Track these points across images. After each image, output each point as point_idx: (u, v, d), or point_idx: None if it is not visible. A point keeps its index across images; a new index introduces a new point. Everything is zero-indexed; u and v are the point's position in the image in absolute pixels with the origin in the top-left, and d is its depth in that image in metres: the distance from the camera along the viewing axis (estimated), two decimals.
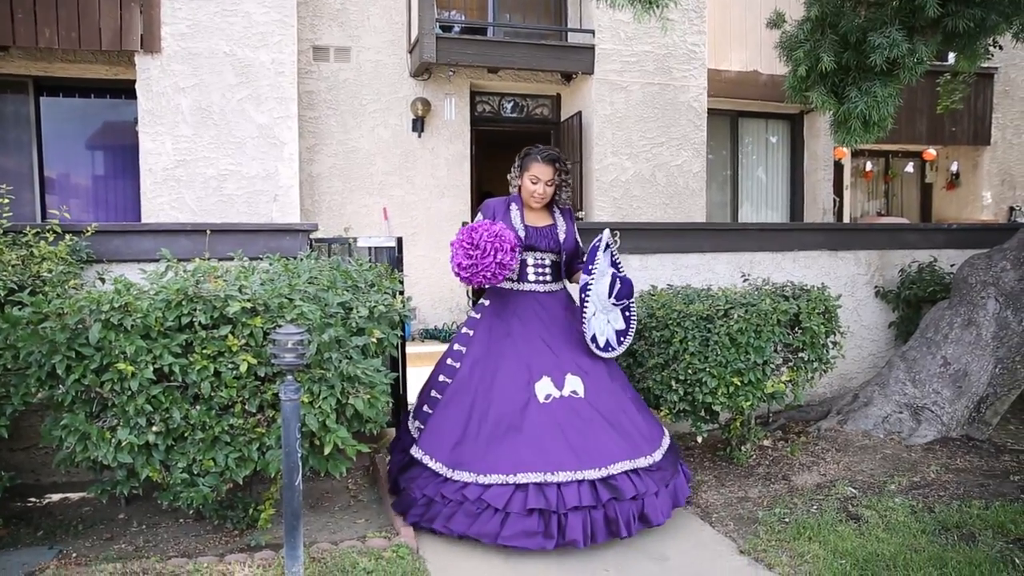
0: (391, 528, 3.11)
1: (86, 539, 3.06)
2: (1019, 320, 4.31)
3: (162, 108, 6.02)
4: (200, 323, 2.66)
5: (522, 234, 3.34)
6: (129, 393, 2.62)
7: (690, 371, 3.60)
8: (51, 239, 3.53)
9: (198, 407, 2.70)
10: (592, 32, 7.42)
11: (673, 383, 3.65)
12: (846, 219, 9.59)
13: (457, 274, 3.18)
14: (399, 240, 4.16)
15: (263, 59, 6.19)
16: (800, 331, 3.77)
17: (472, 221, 3.34)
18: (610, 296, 3.29)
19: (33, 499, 3.49)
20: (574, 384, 3.18)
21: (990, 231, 5.83)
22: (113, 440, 2.65)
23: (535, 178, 3.34)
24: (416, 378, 4.13)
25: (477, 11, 7.97)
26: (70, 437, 2.66)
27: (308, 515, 3.32)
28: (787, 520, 3.26)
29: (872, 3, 4.08)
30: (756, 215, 9.18)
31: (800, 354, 3.82)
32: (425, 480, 3.06)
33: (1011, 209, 9.78)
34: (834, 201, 9.12)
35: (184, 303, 2.66)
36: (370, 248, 4.10)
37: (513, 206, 3.41)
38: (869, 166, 10.30)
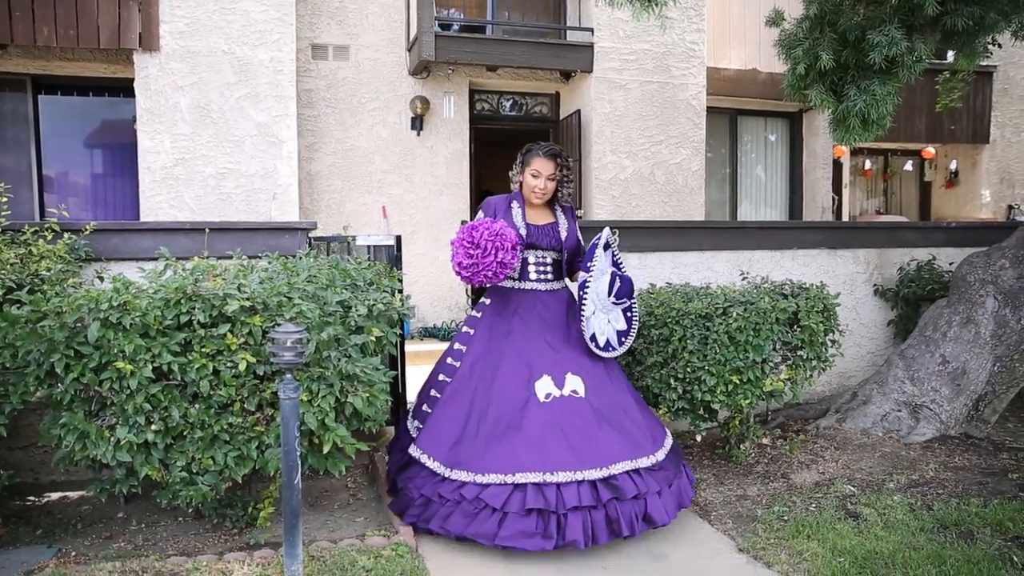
0: (390, 526, 3.11)
1: (85, 538, 3.05)
2: (1018, 318, 4.31)
3: (161, 106, 6.02)
4: (199, 322, 2.66)
5: (523, 232, 3.32)
6: (128, 392, 2.62)
7: (689, 369, 3.60)
8: (50, 237, 3.52)
9: (197, 406, 2.70)
10: (591, 30, 7.41)
11: (672, 381, 3.65)
12: (845, 217, 9.59)
13: (458, 273, 3.16)
14: (398, 238, 4.16)
15: (262, 57, 6.19)
16: (799, 329, 3.78)
17: (472, 219, 3.33)
18: (610, 295, 3.27)
19: (32, 498, 3.49)
20: (574, 383, 3.15)
21: (989, 229, 5.83)
22: (112, 439, 2.65)
23: (536, 172, 3.32)
24: (415, 376, 4.13)
25: (476, 9, 7.97)
26: (69, 436, 2.66)
27: (307, 513, 3.32)
28: (786, 518, 3.26)
29: (871, 1, 4.08)
30: (755, 213, 9.19)
31: (799, 352, 3.82)
32: (423, 480, 3.04)
33: (1010, 207, 9.79)
34: (833, 199, 9.13)
35: (183, 302, 2.66)
36: (369, 246, 4.10)
37: (514, 204, 3.39)
38: (868, 164, 10.31)
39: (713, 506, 3.44)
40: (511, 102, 8.10)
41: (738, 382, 3.58)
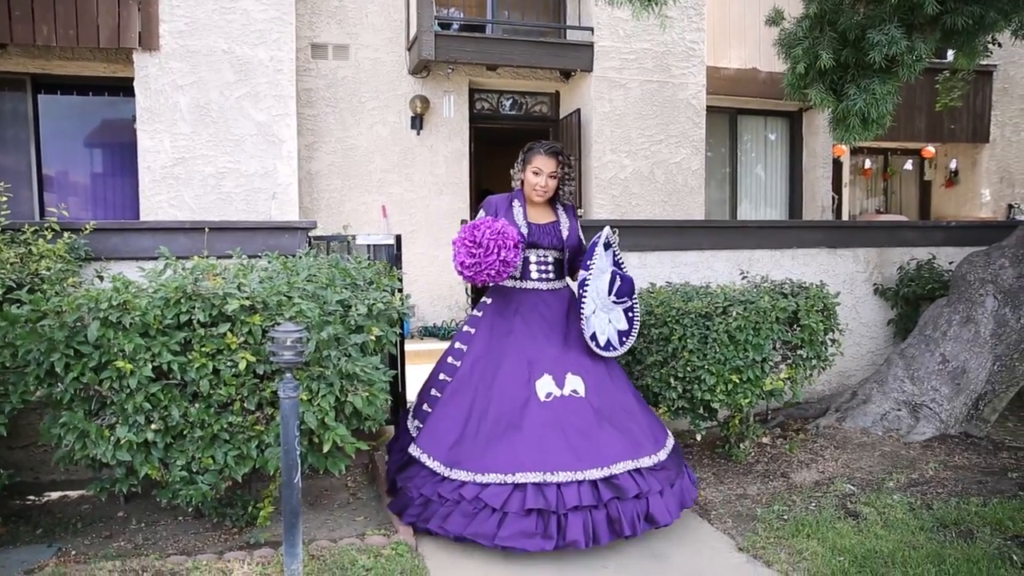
0: (390, 526, 3.11)
1: (85, 537, 3.06)
2: (1017, 317, 4.31)
3: (160, 106, 6.02)
4: (199, 321, 2.66)
5: (525, 231, 3.30)
6: (128, 391, 2.62)
7: (689, 368, 3.60)
8: (49, 237, 3.52)
9: (197, 405, 2.70)
10: (591, 29, 7.41)
11: (672, 380, 3.65)
12: (845, 217, 9.59)
13: (460, 272, 3.14)
14: (398, 238, 4.16)
15: (261, 57, 6.19)
16: (799, 328, 3.78)
17: (472, 218, 3.32)
18: (610, 294, 3.26)
19: (32, 497, 3.49)
20: (575, 383, 3.13)
21: (989, 228, 5.83)
22: (112, 438, 2.65)
23: (538, 170, 3.31)
24: (415, 376, 4.13)
25: (476, 8, 7.97)
26: (69, 435, 2.66)
27: (307, 513, 3.32)
28: (786, 517, 3.26)
29: (871, 0, 4.08)
30: (755, 213, 9.18)
31: (799, 351, 3.82)
32: (423, 479, 3.02)
33: (1010, 207, 9.79)
34: (833, 199, 9.13)
35: (183, 301, 2.66)
36: (369, 246, 4.10)
37: (516, 202, 3.37)
38: (868, 163, 10.31)
39: (713, 505, 3.44)
40: (511, 101, 8.09)
41: (738, 381, 3.58)
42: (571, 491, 2.83)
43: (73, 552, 2.88)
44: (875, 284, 5.35)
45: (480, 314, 3.41)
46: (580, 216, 3.85)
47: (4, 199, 3.57)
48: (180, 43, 6.02)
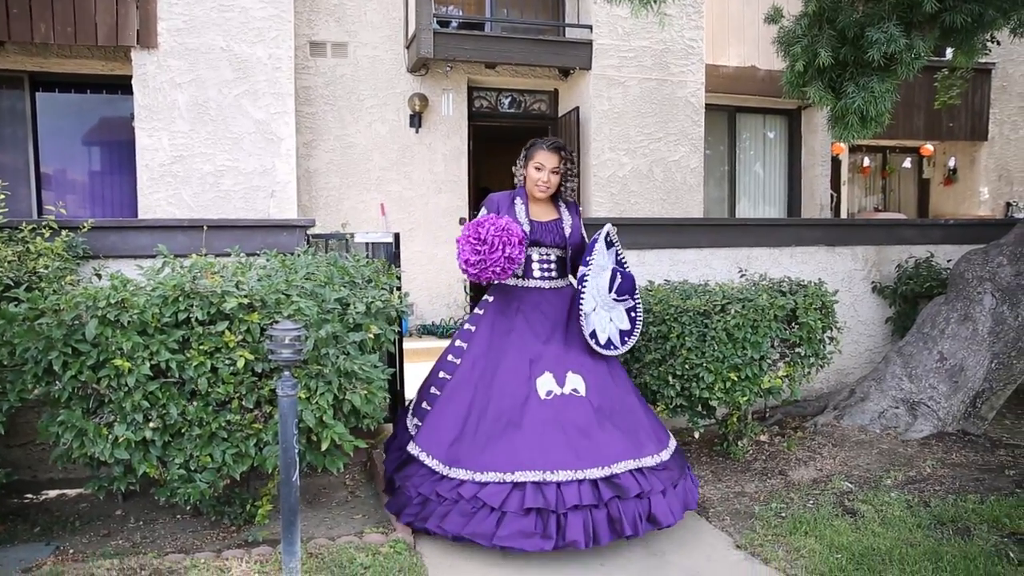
0: (388, 524, 3.11)
1: (83, 535, 3.05)
2: (1015, 315, 4.32)
3: (159, 104, 6.01)
4: (197, 319, 2.66)
5: (527, 229, 3.28)
6: (126, 389, 2.62)
7: (687, 366, 3.61)
8: (47, 235, 3.52)
9: (195, 403, 2.70)
10: (589, 27, 7.41)
11: (670, 378, 3.65)
12: (843, 215, 9.60)
13: (464, 270, 3.13)
14: (396, 236, 4.16)
15: (260, 55, 6.18)
16: (797, 326, 3.78)
17: (471, 217, 3.31)
18: (611, 291, 3.26)
19: (30, 495, 3.49)
20: (575, 382, 3.11)
21: (987, 226, 5.83)
22: (110, 436, 2.65)
23: (540, 165, 3.30)
24: (413, 374, 4.13)
25: (474, 6, 7.96)
26: (67, 433, 2.66)
27: (305, 511, 3.32)
28: (783, 515, 3.27)
29: None
30: (753, 211, 9.19)
31: (797, 349, 3.82)
32: (421, 478, 3.00)
33: (1008, 204, 9.80)
34: (831, 197, 9.13)
35: (181, 299, 2.66)
36: (367, 244, 4.10)
37: (518, 200, 3.36)
38: (866, 161, 10.31)
39: (711, 503, 3.45)
40: (510, 99, 8.09)
41: (736, 379, 3.59)
42: (571, 490, 2.81)
43: (71, 550, 2.88)
44: (873, 282, 5.35)
45: (482, 312, 3.40)
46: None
47: (2, 197, 3.56)
48: (178, 41, 6.01)
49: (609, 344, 3.25)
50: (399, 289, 3.62)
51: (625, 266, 3.35)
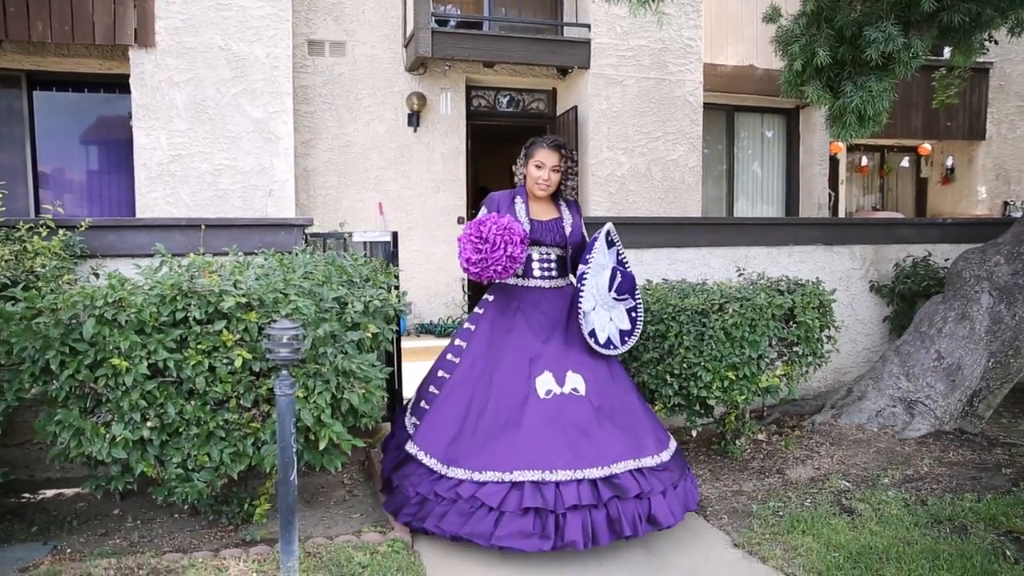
0: (386, 523, 3.11)
1: (80, 535, 3.05)
2: (1012, 314, 4.32)
3: (156, 103, 6.00)
4: (195, 318, 2.65)
5: (527, 228, 3.27)
6: (123, 388, 2.62)
7: (685, 365, 3.61)
8: (45, 234, 3.51)
9: (193, 402, 2.70)
10: (588, 26, 7.41)
11: (668, 377, 3.66)
12: (841, 214, 9.61)
13: (466, 269, 3.12)
14: (394, 235, 4.15)
15: (258, 53, 6.17)
16: (795, 325, 3.79)
17: (470, 216, 3.31)
18: (611, 290, 3.25)
19: (27, 495, 3.48)
20: (575, 381, 3.10)
21: (984, 225, 5.85)
22: (107, 435, 2.64)
23: (540, 163, 3.30)
24: (411, 373, 4.13)
25: (473, 5, 7.96)
26: (64, 432, 2.66)
27: (303, 510, 3.32)
28: (781, 513, 3.27)
29: None
30: (751, 210, 9.19)
31: (794, 348, 3.83)
32: (419, 478, 2.99)
33: (1005, 204, 9.82)
34: (829, 196, 9.14)
35: (179, 298, 2.66)
36: (365, 243, 4.09)
37: (518, 199, 3.35)
38: (864, 161, 10.32)
39: (709, 502, 3.45)
40: (508, 98, 8.09)
41: (734, 378, 3.59)
42: (570, 490, 2.79)
43: (68, 550, 2.88)
44: (871, 281, 5.36)
45: (481, 311, 3.39)
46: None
47: None
48: (176, 40, 6.00)
49: (609, 343, 3.24)
50: (397, 288, 3.62)
51: (626, 265, 3.35)
